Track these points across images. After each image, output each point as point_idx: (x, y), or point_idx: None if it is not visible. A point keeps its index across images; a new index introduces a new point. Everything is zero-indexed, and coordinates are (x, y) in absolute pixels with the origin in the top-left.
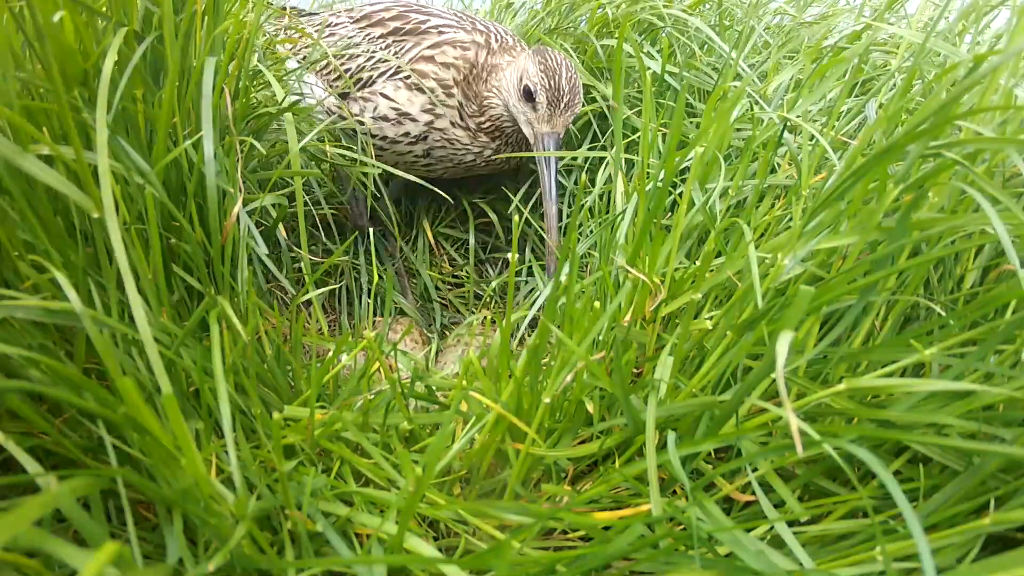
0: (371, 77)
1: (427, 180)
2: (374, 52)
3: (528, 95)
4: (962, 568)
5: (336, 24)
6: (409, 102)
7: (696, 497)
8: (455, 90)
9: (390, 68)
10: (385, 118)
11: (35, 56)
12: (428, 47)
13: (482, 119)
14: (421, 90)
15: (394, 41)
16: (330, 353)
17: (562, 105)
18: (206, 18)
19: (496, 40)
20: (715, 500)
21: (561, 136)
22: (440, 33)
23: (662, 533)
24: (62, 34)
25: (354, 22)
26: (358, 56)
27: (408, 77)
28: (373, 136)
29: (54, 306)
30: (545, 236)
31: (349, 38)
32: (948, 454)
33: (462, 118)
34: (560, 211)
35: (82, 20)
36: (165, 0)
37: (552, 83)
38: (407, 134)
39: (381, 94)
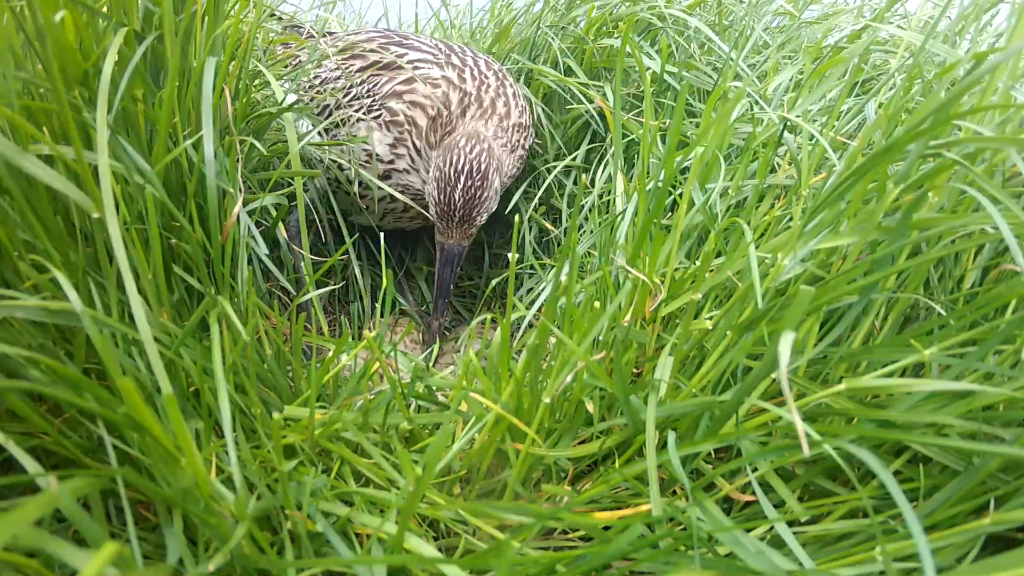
0: (347, 116)
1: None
2: (349, 89)
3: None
4: (962, 568)
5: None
6: (378, 142)
7: (696, 497)
8: (413, 131)
9: (363, 106)
10: (367, 163)
11: (35, 56)
12: (400, 83)
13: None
14: (390, 127)
15: (371, 76)
16: (330, 353)
17: (454, 222)
18: (206, 18)
19: (473, 78)
20: (715, 500)
21: (464, 247)
22: (415, 68)
23: (662, 533)
24: (63, 34)
25: (337, 52)
26: (337, 93)
27: (380, 116)
28: (365, 188)
29: (54, 306)
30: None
31: (331, 71)
32: (948, 454)
33: (414, 161)
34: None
35: (82, 20)
36: (165, 0)
37: (443, 197)
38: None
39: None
